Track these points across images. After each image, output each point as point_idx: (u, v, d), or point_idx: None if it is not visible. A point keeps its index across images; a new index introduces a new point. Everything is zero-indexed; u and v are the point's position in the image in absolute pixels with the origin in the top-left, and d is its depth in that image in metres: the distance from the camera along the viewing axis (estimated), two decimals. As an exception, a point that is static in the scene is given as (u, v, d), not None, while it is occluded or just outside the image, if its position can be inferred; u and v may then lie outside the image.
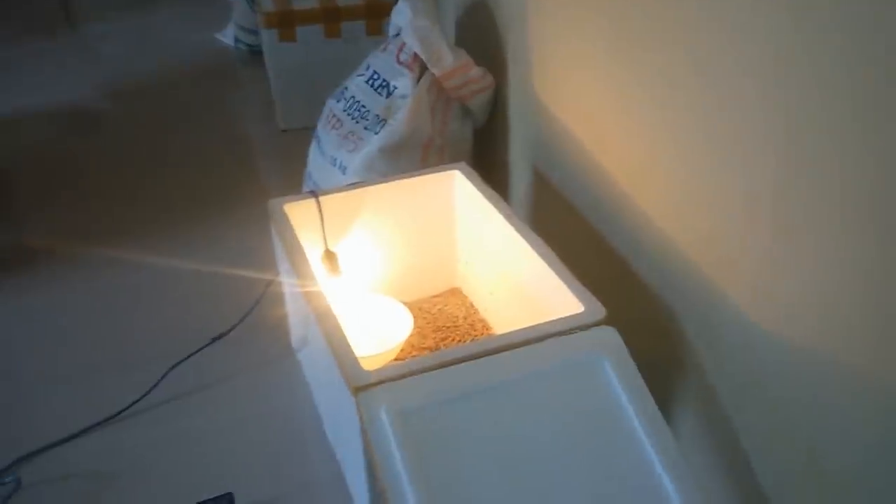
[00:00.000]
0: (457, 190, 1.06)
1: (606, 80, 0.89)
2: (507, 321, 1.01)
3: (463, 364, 0.75)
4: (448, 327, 1.08)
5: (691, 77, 0.75)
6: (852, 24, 0.56)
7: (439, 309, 1.11)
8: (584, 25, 0.92)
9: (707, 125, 0.74)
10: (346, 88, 1.21)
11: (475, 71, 1.14)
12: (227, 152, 1.62)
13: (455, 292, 1.14)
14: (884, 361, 0.59)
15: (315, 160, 1.23)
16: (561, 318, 0.80)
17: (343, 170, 1.16)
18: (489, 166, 1.22)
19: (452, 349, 0.77)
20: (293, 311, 1.01)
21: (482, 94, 1.17)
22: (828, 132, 0.60)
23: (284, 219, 0.96)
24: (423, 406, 0.72)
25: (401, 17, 1.16)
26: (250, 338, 1.09)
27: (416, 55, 1.13)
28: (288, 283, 0.99)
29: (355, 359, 0.76)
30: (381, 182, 1.03)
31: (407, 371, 0.74)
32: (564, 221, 1.02)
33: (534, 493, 0.69)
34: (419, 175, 1.04)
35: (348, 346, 0.77)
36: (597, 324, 0.80)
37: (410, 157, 1.15)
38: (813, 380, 0.66)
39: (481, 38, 1.18)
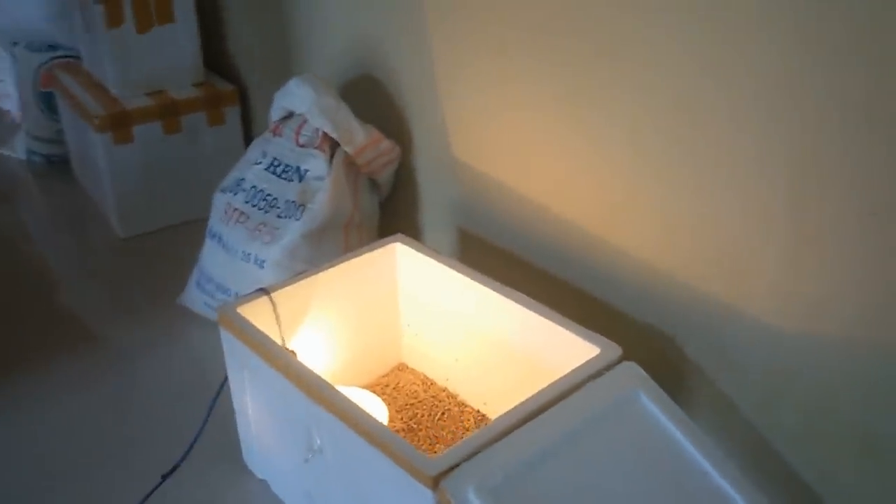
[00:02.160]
0: (399, 262, 1.04)
1: (558, 127, 0.93)
2: (483, 384, 1.00)
3: (519, 429, 0.73)
4: (412, 404, 1.04)
5: (668, 105, 0.80)
6: (855, 27, 0.63)
7: (393, 388, 1.07)
8: (517, 76, 0.95)
9: (690, 151, 0.80)
10: (242, 179, 1.15)
11: (385, 143, 1.13)
12: (69, 273, 1.45)
13: (402, 368, 1.10)
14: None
15: (217, 260, 1.15)
16: (584, 364, 0.81)
17: (260, 264, 1.09)
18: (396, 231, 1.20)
19: (500, 418, 0.74)
20: (266, 421, 0.92)
21: (391, 166, 1.16)
22: (838, 137, 0.67)
23: (244, 321, 0.88)
24: (504, 478, 0.69)
25: (296, 98, 1.13)
26: (201, 464, 0.97)
27: (324, 135, 1.10)
28: (259, 389, 0.91)
29: (412, 447, 0.71)
30: (328, 267, 0.98)
31: (473, 448, 0.71)
32: (512, 275, 1.02)
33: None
34: (363, 253, 1.01)
35: (396, 436, 0.72)
36: (618, 361, 0.82)
37: (333, 238, 1.11)
38: (854, 363, 0.72)
39: (372, 111, 1.17)
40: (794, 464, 0.80)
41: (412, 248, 1.02)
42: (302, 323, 0.98)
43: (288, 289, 0.95)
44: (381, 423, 0.74)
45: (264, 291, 0.93)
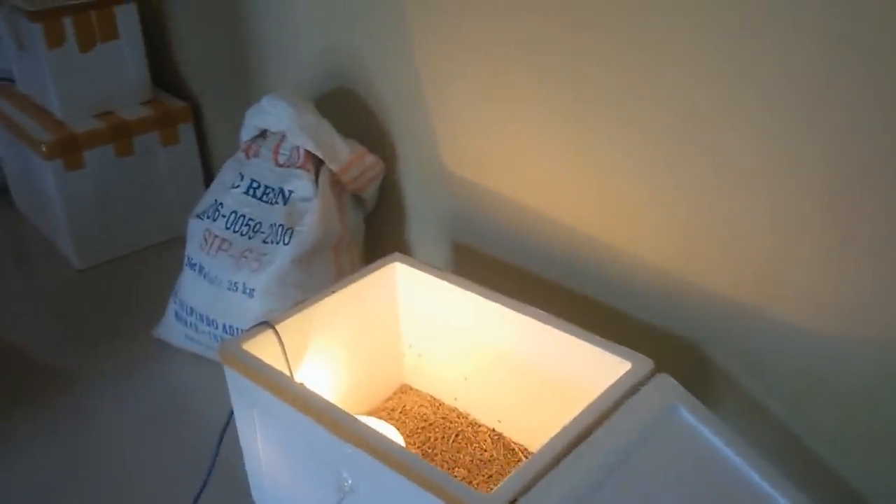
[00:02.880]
0: (399, 281, 1.00)
1: (564, 133, 0.90)
2: (495, 402, 0.97)
3: (566, 459, 0.71)
4: (423, 427, 1.00)
5: (685, 107, 0.79)
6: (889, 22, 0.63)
7: (400, 412, 1.03)
8: (514, 80, 0.92)
9: (710, 154, 0.78)
10: (220, 204, 1.09)
11: (369, 158, 1.09)
12: (25, 310, 1.36)
13: (406, 390, 1.06)
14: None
15: (199, 290, 1.08)
16: (619, 381, 0.78)
17: (250, 293, 1.04)
18: (383, 253, 1.16)
19: (546, 447, 0.71)
20: (281, 460, 0.87)
21: (376, 181, 1.12)
22: (873, 136, 0.66)
23: (251, 358, 0.83)
24: (564, 510, 0.66)
25: (271, 116, 1.07)
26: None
27: (307, 153, 1.05)
28: (273, 427, 0.86)
29: (463, 484, 0.68)
30: (329, 293, 0.93)
31: (525, 482, 0.68)
32: (517, 288, 0.99)
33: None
34: (363, 276, 0.96)
35: (443, 472, 0.69)
36: (651, 375, 0.80)
37: (324, 260, 1.06)
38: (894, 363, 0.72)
39: (350, 125, 1.12)
40: (832, 463, 0.80)
41: (412, 266, 0.98)
42: (306, 353, 0.93)
43: (291, 319, 0.90)
44: (421, 459, 0.70)
45: (268, 325, 0.88)
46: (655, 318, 0.89)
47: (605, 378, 0.80)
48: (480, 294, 0.92)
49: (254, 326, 0.88)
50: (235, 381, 0.86)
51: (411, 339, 1.03)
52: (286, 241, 1.03)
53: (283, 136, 1.08)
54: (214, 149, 1.53)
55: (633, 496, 0.70)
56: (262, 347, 0.86)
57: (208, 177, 1.53)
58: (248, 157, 1.12)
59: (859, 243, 0.70)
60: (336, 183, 1.07)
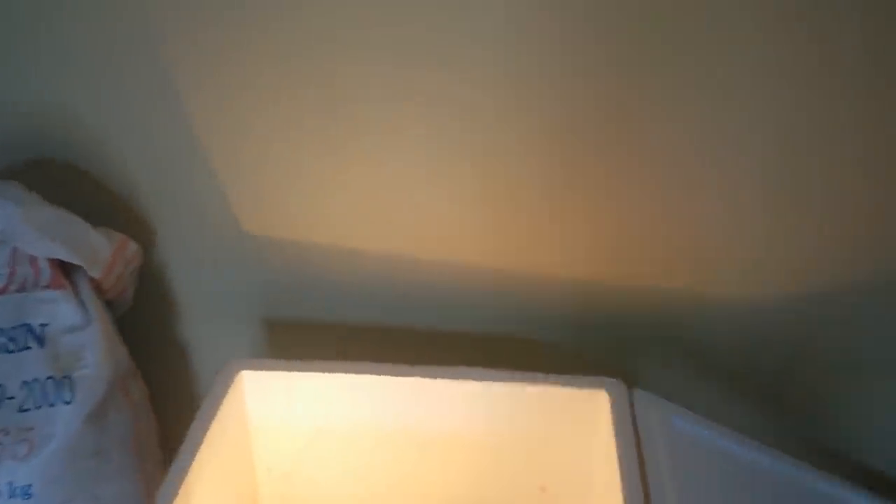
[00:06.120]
0: (250, 396, 0.75)
1: (417, 161, 0.75)
2: (423, 496, 0.80)
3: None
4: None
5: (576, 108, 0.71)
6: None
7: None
8: (364, 125, 0.74)
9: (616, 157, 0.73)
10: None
11: (132, 246, 0.79)
12: None
13: (271, 526, 0.82)
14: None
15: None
16: (616, 415, 0.70)
17: (24, 493, 0.69)
18: (147, 361, 0.87)
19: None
20: None
21: (136, 274, 0.82)
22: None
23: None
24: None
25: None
26: None
27: (55, 263, 0.72)
28: None
29: None
30: (191, 450, 0.66)
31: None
32: (393, 352, 0.82)
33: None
34: (212, 408, 0.70)
35: None
36: (629, 395, 0.72)
37: (116, 404, 0.75)
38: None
39: (82, 209, 0.79)
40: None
41: (264, 369, 0.75)
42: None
43: (173, 507, 0.61)
44: None
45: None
46: (586, 336, 0.82)
47: (582, 417, 0.72)
48: (385, 373, 0.73)
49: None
50: None
51: (272, 462, 0.80)
52: (67, 399, 0.70)
53: (-12, 251, 0.73)
54: None
55: None
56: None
57: None
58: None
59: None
60: (96, 290, 0.76)
